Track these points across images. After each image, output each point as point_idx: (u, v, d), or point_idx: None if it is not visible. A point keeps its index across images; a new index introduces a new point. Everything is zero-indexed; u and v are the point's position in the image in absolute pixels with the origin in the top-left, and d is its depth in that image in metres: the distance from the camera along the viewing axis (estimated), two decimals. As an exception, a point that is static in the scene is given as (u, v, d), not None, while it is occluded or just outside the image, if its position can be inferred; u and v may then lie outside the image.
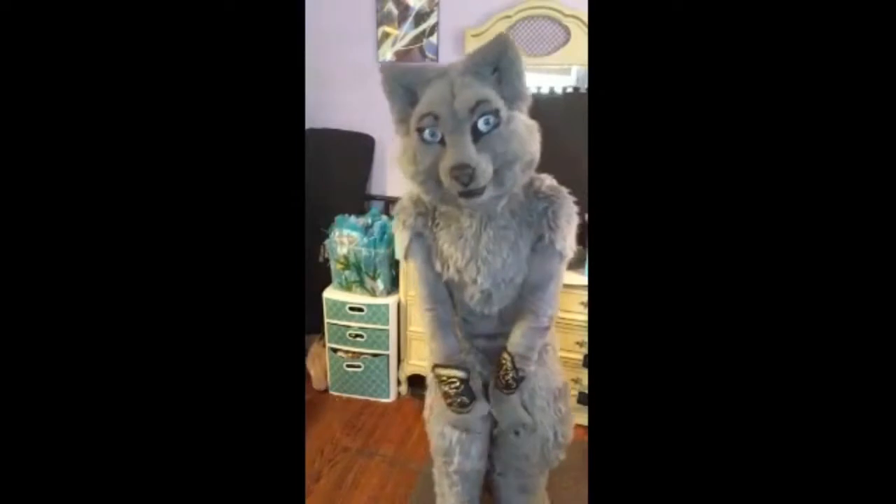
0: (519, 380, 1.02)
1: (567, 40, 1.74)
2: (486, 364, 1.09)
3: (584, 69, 1.75)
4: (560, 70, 1.77)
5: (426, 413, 1.19)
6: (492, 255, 0.96)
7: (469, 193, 0.85)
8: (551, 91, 1.79)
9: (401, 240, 1.02)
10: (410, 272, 1.06)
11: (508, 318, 1.05)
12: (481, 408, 1.05)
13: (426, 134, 0.85)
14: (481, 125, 0.83)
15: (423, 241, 1.01)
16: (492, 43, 0.87)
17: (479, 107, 0.82)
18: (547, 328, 1.03)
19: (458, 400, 1.03)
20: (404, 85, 0.90)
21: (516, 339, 1.02)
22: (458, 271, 0.99)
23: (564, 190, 0.98)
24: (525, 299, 1.01)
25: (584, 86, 1.76)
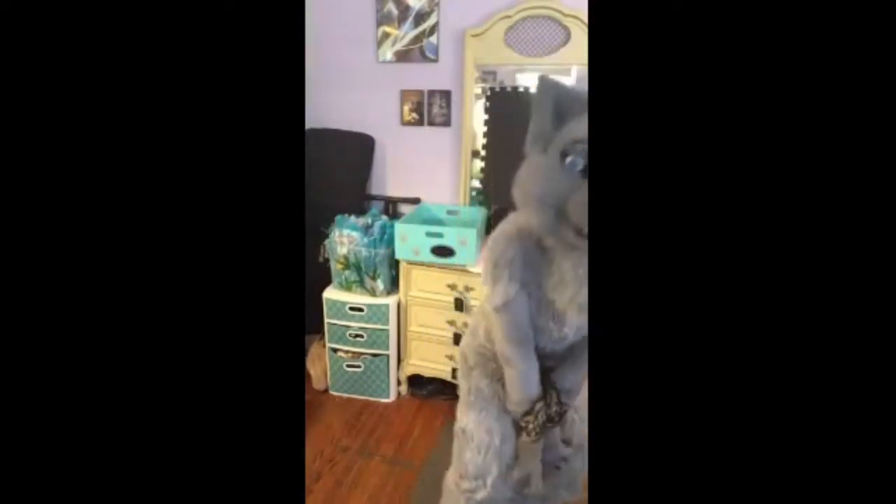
0: (562, 413, 0.96)
1: (567, 40, 1.74)
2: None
3: (584, 69, 1.75)
4: (560, 70, 1.77)
5: (461, 408, 1.07)
6: (585, 305, 0.86)
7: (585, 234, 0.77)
8: (551, 91, 1.79)
9: (499, 290, 0.91)
10: (491, 318, 0.98)
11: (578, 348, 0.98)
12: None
13: (569, 160, 0.76)
14: None
15: (526, 293, 0.91)
16: None
17: None
18: None
19: (537, 429, 0.95)
20: (558, 102, 0.81)
21: (566, 372, 0.96)
22: (553, 318, 0.91)
23: None
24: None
25: (584, 86, 1.75)
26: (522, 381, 0.95)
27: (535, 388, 0.95)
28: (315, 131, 2.06)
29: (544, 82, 0.82)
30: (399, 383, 1.95)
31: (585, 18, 1.68)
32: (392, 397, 1.93)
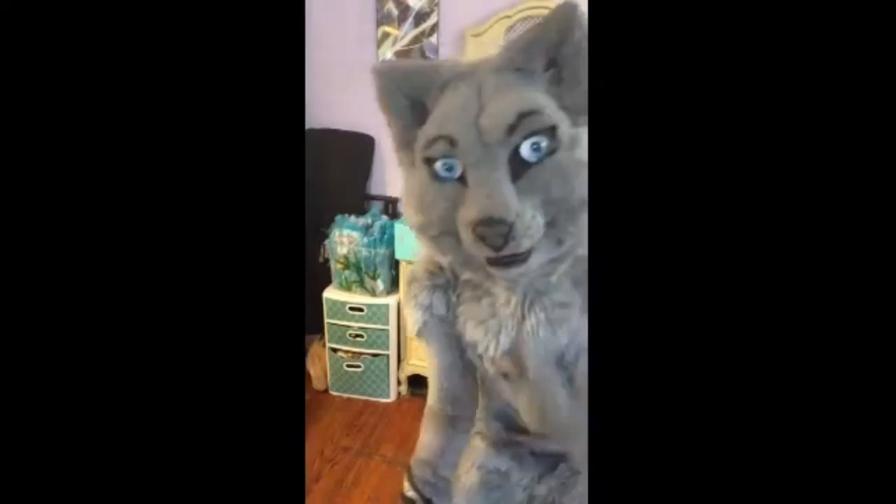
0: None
1: (567, 40, 1.74)
2: (533, 466, 0.81)
3: (584, 69, 1.75)
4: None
5: None
6: (542, 347, 0.62)
7: (503, 262, 0.54)
8: (551, 91, 1.79)
9: (412, 319, 0.71)
10: (426, 356, 0.80)
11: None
12: None
13: (439, 167, 0.55)
14: (527, 152, 0.52)
15: (443, 323, 0.70)
16: (549, 17, 0.53)
17: (522, 123, 0.51)
18: None
19: None
20: (408, 93, 0.59)
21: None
22: (491, 363, 0.68)
23: None
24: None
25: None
26: (436, 428, 0.78)
27: (445, 447, 0.77)
28: (315, 131, 2.06)
29: (379, 72, 0.59)
30: (399, 383, 1.95)
31: (585, 18, 1.68)
32: (392, 397, 1.93)
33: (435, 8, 1.86)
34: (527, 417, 0.65)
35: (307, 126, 2.06)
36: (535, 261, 0.55)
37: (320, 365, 2.02)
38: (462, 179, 0.54)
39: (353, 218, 1.88)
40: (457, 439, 0.79)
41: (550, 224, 0.54)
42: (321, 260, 1.97)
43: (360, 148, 2.06)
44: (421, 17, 1.88)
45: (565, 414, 0.62)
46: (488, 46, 1.79)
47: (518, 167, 0.53)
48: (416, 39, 1.90)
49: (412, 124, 0.59)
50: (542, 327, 0.61)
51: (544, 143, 0.52)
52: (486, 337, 0.64)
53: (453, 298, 0.68)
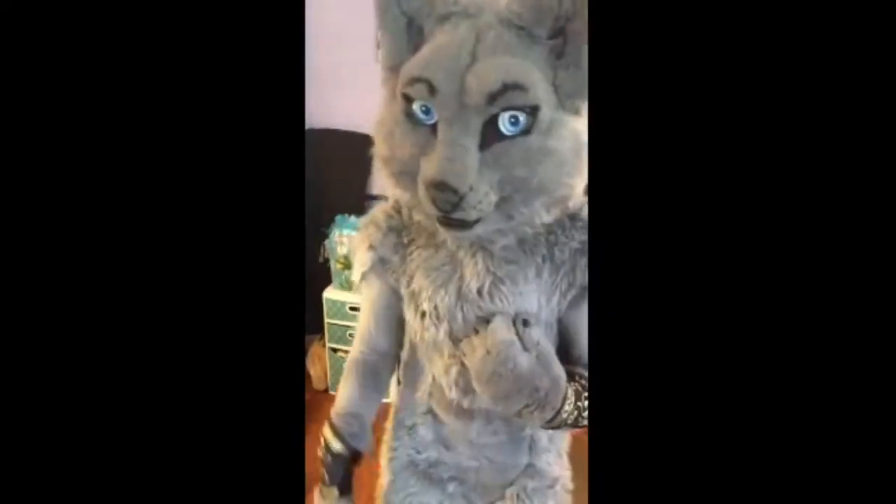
0: None
1: (567, 40, 1.73)
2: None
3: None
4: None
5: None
6: (487, 300, 0.61)
7: (449, 222, 0.55)
8: (551, 91, 1.78)
9: (360, 260, 0.69)
10: (361, 304, 0.77)
11: (501, 424, 0.70)
12: None
13: (416, 108, 0.53)
14: (503, 123, 0.51)
15: (388, 268, 0.68)
16: None
17: (505, 95, 0.49)
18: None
19: (323, 474, 0.75)
20: (407, 10, 0.55)
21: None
22: (436, 318, 0.64)
23: None
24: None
25: None
26: (355, 377, 0.79)
27: (362, 396, 0.80)
28: (315, 131, 2.06)
29: None
30: (399, 383, 1.95)
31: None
32: (392, 397, 1.93)
33: (435, 8, 1.85)
34: (478, 375, 0.60)
35: (307, 126, 2.06)
36: (481, 229, 0.56)
37: (320, 365, 2.02)
38: (435, 127, 0.53)
39: (353, 218, 1.88)
40: (378, 391, 0.81)
41: (503, 200, 0.53)
42: (321, 260, 1.97)
43: (360, 148, 2.04)
44: (421, 17, 1.88)
45: (523, 369, 0.57)
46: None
47: (490, 136, 0.51)
48: (416, 39, 1.90)
49: (404, 47, 0.56)
50: (483, 275, 0.61)
51: (522, 119, 0.51)
52: (431, 284, 0.64)
53: (404, 240, 0.67)
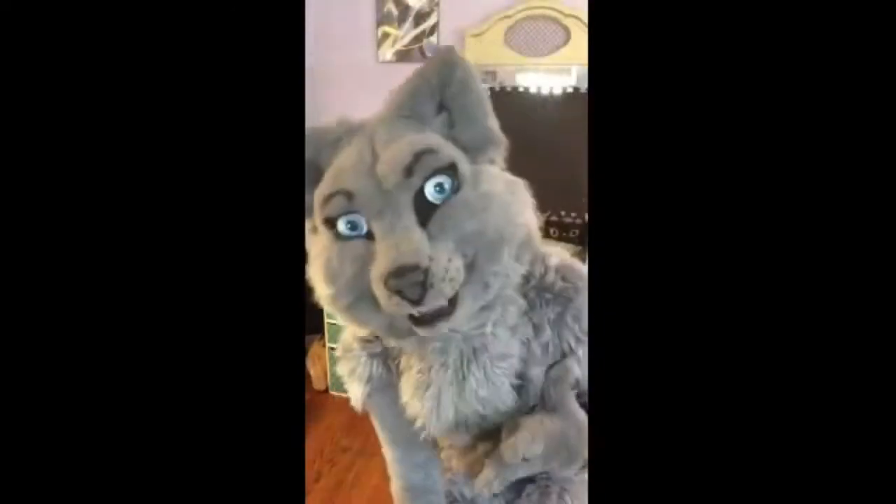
0: None
1: (567, 40, 1.74)
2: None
3: (584, 69, 1.75)
4: (560, 70, 1.77)
5: None
6: (488, 407, 0.58)
7: (427, 318, 0.50)
8: (551, 91, 1.79)
9: (354, 394, 0.67)
10: (375, 427, 0.75)
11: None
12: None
13: (341, 226, 0.51)
14: (431, 193, 0.49)
15: (386, 389, 0.65)
16: (428, 65, 0.52)
17: (420, 162, 0.49)
18: None
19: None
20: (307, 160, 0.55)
21: None
22: (437, 429, 0.61)
23: (583, 271, 0.61)
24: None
25: (584, 86, 1.76)
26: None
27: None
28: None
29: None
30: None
31: (585, 18, 1.68)
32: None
33: (435, 8, 1.86)
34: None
35: (307, 126, 2.06)
36: (463, 312, 0.51)
37: (320, 365, 2.02)
38: (369, 235, 0.50)
39: (353, 218, 1.88)
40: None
41: (471, 267, 0.50)
42: (321, 260, 1.98)
43: (360, 148, 2.06)
44: (421, 17, 1.88)
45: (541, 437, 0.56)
46: (488, 46, 1.79)
47: (424, 210, 0.49)
48: (417, 39, 1.90)
49: (307, 188, 0.54)
50: (483, 387, 0.57)
51: (447, 183, 0.49)
52: (424, 407, 0.59)
53: (392, 366, 0.63)
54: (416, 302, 0.47)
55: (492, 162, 0.54)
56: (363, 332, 0.64)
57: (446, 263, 0.47)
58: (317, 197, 0.52)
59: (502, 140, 0.55)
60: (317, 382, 2.02)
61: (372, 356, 0.64)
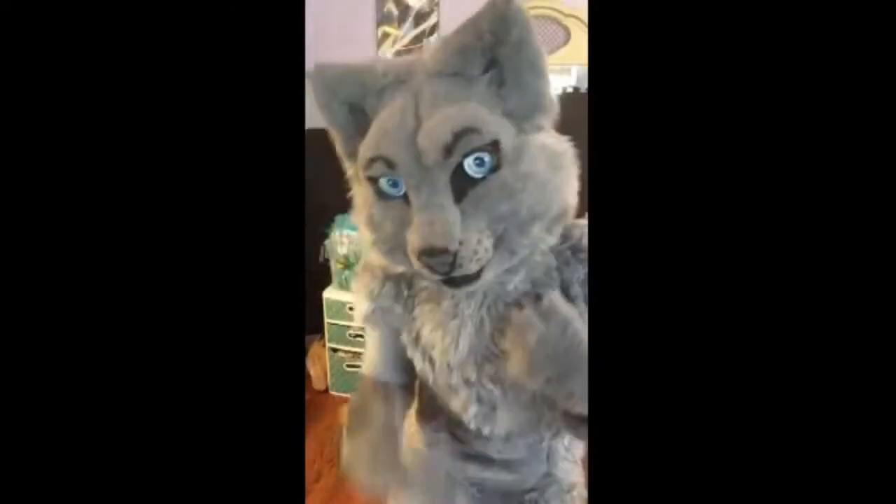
0: None
1: (567, 40, 1.74)
2: None
3: (584, 69, 1.75)
4: (560, 70, 1.77)
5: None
6: (503, 352, 0.58)
7: (455, 282, 0.53)
8: (551, 91, 1.78)
9: (359, 308, 0.68)
10: (367, 339, 0.77)
11: (521, 441, 0.70)
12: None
13: (383, 184, 0.53)
14: (470, 168, 0.50)
15: (390, 315, 0.66)
16: (483, 17, 0.48)
17: (461, 142, 0.48)
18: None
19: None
20: (345, 98, 0.55)
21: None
22: (447, 369, 0.63)
23: None
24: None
25: (584, 86, 1.76)
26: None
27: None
28: (315, 131, 2.06)
29: (314, 76, 0.55)
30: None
31: (585, 18, 1.68)
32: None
33: (435, 8, 1.85)
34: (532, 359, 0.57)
35: (307, 126, 2.06)
36: (488, 275, 0.54)
37: (320, 365, 2.02)
38: (407, 197, 0.52)
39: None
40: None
41: (500, 239, 0.52)
42: (321, 260, 1.97)
43: (360, 148, 2.06)
44: (421, 17, 1.88)
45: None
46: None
47: (462, 185, 0.50)
48: (417, 39, 1.90)
49: (354, 134, 0.56)
50: (499, 332, 0.59)
51: (487, 159, 0.49)
52: (442, 339, 0.62)
53: (405, 292, 0.65)
54: (445, 274, 0.51)
55: (539, 129, 0.53)
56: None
57: (475, 245, 0.50)
58: (361, 154, 0.54)
59: (553, 106, 0.54)
60: (317, 382, 2.02)
61: (387, 277, 0.65)
